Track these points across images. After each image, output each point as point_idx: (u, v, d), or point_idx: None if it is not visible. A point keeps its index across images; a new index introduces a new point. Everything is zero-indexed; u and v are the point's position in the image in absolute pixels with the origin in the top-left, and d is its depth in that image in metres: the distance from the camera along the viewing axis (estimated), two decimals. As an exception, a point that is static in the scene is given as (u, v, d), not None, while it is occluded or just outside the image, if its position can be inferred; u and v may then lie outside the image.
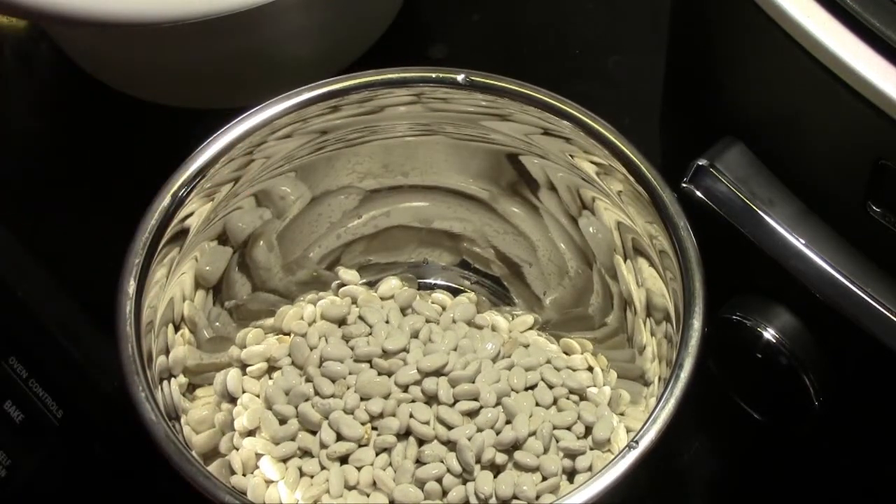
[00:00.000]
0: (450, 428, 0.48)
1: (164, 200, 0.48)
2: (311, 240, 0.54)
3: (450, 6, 0.66)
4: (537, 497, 0.47)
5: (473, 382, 0.48)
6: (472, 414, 0.48)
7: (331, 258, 0.54)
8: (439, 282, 0.55)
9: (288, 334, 0.52)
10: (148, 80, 0.62)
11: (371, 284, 0.54)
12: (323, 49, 0.61)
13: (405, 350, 0.50)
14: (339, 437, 0.48)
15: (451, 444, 0.48)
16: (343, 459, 0.48)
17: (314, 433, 0.49)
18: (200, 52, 0.59)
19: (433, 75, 0.50)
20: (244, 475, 0.49)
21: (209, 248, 0.50)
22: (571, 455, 0.48)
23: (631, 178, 0.48)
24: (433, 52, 0.64)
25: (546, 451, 0.48)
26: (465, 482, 0.47)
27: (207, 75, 0.61)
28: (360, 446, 0.48)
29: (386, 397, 0.49)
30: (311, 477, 0.48)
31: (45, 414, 0.54)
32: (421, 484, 0.47)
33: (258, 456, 0.49)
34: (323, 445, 0.48)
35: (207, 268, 0.51)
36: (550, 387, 0.50)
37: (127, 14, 0.52)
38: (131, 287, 0.46)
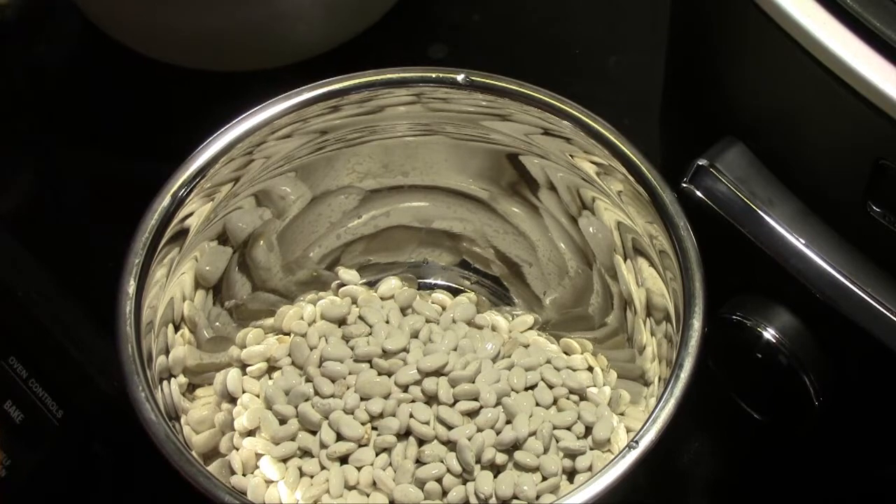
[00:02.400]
0: (450, 428, 0.48)
1: (164, 200, 0.48)
2: (311, 240, 0.54)
3: (450, 6, 0.66)
4: (537, 497, 0.47)
5: (473, 382, 0.48)
6: (472, 414, 0.48)
7: (331, 258, 0.54)
8: (439, 282, 0.55)
9: (288, 334, 0.52)
10: (162, 39, 0.62)
11: (371, 284, 0.54)
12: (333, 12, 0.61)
13: (405, 350, 0.50)
14: (339, 437, 0.48)
15: (451, 444, 0.48)
16: (343, 459, 0.48)
17: (314, 433, 0.49)
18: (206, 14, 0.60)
19: (433, 75, 0.50)
20: (244, 475, 0.49)
21: (209, 248, 0.50)
22: (571, 455, 0.48)
23: (631, 178, 0.48)
24: (433, 52, 0.64)
25: (546, 451, 0.48)
26: (465, 482, 0.47)
27: (206, 39, 0.61)
28: (360, 446, 0.48)
29: (386, 397, 0.49)
30: (311, 477, 0.48)
31: (45, 414, 0.54)
32: (421, 484, 0.47)
33: (258, 456, 0.49)
34: (323, 445, 0.48)
35: (207, 268, 0.51)
36: (550, 387, 0.50)
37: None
38: (131, 287, 0.46)
